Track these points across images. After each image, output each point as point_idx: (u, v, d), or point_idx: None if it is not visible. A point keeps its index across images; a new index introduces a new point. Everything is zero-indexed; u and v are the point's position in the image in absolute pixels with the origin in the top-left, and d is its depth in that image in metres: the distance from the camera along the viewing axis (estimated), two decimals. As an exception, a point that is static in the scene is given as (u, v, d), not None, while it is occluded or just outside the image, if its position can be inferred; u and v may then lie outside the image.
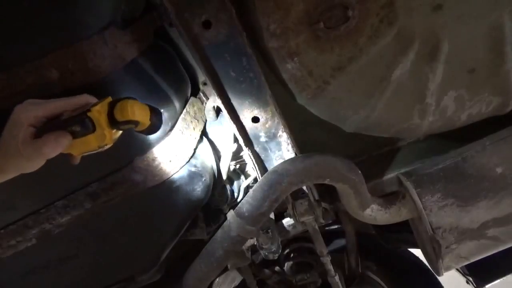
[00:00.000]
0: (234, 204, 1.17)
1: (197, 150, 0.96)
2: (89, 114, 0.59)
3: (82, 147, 0.62)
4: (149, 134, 0.67)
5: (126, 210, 0.89)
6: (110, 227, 0.92)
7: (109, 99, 0.63)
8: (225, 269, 1.23)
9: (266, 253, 1.05)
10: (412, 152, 1.04)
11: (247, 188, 1.21)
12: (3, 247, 0.87)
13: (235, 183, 1.20)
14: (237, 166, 1.23)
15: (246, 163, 1.24)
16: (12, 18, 0.65)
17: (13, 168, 0.61)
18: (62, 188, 0.84)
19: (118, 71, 0.76)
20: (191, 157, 0.92)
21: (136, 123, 0.62)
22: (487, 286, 1.41)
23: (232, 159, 1.21)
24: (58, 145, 0.59)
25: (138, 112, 0.62)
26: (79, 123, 0.59)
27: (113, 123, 0.61)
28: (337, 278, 1.32)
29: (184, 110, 0.95)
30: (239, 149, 1.17)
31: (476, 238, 0.81)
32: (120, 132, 0.65)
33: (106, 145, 0.62)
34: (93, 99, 0.65)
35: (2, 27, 0.66)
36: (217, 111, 1.08)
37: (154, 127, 0.66)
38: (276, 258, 1.08)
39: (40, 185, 0.83)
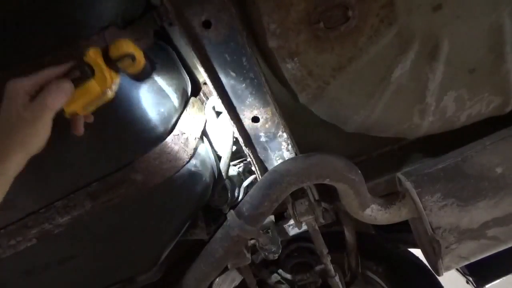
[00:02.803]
0: (234, 204, 1.17)
1: (197, 150, 0.96)
2: (85, 58, 0.58)
3: (85, 97, 0.61)
4: (144, 77, 0.67)
5: (126, 210, 0.89)
6: (110, 227, 0.92)
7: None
8: (225, 269, 1.22)
9: (266, 253, 1.05)
10: (412, 152, 1.04)
11: (247, 188, 1.21)
12: (3, 247, 0.87)
13: (235, 183, 1.20)
14: (240, 167, 1.23)
15: (248, 163, 1.24)
16: (12, 17, 0.65)
17: (18, 145, 0.56)
18: (62, 188, 0.84)
19: (118, 71, 0.76)
20: (192, 157, 0.92)
21: (132, 56, 0.62)
22: (487, 286, 1.41)
23: (232, 159, 1.21)
24: (62, 92, 0.57)
25: (133, 46, 0.62)
26: (77, 68, 0.58)
27: (110, 63, 0.61)
28: (337, 278, 1.32)
29: (184, 110, 0.95)
30: (239, 149, 1.17)
31: (476, 238, 0.81)
32: (119, 78, 0.64)
33: (109, 90, 0.61)
34: None
35: (2, 26, 0.66)
36: (217, 111, 1.09)
37: (148, 69, 0.65)
38: (276, 258, 1.08)
39: (40, 185, 0.83)
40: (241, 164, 1.25)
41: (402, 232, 1.36)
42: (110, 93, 0.63)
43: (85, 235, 0.91)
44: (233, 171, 1.21)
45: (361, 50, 0.73)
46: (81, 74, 0.58)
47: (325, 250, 1.18)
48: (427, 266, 1.45)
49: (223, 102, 0.81)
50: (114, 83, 0.63)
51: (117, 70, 0.63)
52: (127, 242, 0.97)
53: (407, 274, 1.59)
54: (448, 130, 0.91)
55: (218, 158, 1.13)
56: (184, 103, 0.97)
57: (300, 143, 0.94)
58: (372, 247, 1.62)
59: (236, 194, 1.19)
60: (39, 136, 0.58)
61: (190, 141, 0.93)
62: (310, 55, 0.74)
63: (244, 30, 0.72)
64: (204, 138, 1.07)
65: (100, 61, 0.59)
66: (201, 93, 1.12)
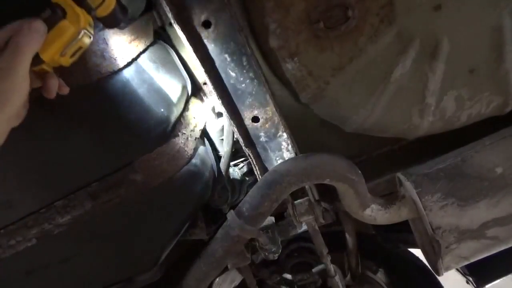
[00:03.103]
0: (234, 204, 1.17)
1: (197, 150, 0.96)
2: (53, 0, 0.55)
3: (60, 39, 0.57)
4: (115, 23, 0.64)
5: (126, 210, 0.89)
6: (110, 227, 0.92)
7: None
8: (225, 269, 1.23)
9: (266, 253, 1.05)
10: (412, 152, 1.04)
11: (248, 188, 1.21)
12: (3, 247, 0.87)
13: (236, 183, 1.20)
14: (243, 166, 1.23)
15: (249, 163, 1.23)
16: (11, 15, 0.65)
17: None
18: (62, 188, 0.84)
19: (118, 71, 0.76)
20: (191, 157, 0.92)
21: None
22: (487, 286, 1.41)
23: (234, 159, 1.21)
24: (35, 33, 0.50)
25: None
26: (47, 8, 0.55)
27: (80, 2, 0.58)
28: (337, 278, 1.32)
29: (184, 111, 0.95)
30: (239, 149, 1.17)
31: (476, 238, 0.81)
32: (91, 19, 0.61)
33: (84, 32, 0.59)
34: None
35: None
36: (217, 111, 1.09)
37: (119, 14, 0.63)
38: (276, 258, 1.07)
39: (40, 185, 0.83)
40: (243, 164, 1.24)
41: (402, 232, 1.36)
42: (87, 38, 0.60)
43: (85, 235, 0.91)
44: (234, 171, 1.21)
45: (361, 50, 0.73)
46: (51, 14, 0.55)
47: (325, 250, 1.18)
48: (427, 266, 1.46)
49: (223, 102, 0.81)
50: (89, 25, 0.60)
51: (88, 10, 0.60)
52: (127, 242, 0.97)
53: (407, 274, 1.59)
54: (448, 130, 0.91)
55: (218, 158, 1.13)
56: (184, 103, 0.97)
57: (300, 143, 0.94)
58: (372, 247, 1.62)
59: (236, 194, 1.19)
60: (17, 90, 0.50)
61: (190, 141, 0.93)
62: (310, 54, 0.74)
63: (244, 30, 0.72)
64: (204, 138, 1.07)
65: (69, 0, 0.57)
66: (201, 93, 1.12)
